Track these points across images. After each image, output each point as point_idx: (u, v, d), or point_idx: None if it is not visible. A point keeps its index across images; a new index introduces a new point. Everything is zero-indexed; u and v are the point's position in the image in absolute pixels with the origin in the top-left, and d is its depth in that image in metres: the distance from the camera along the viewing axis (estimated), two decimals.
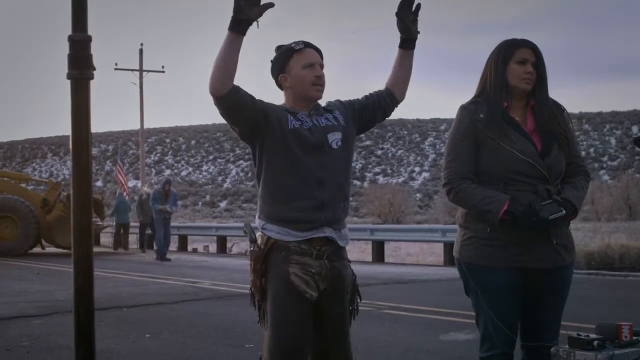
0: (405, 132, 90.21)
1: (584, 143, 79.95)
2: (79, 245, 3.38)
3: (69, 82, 3.35)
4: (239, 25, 2.93)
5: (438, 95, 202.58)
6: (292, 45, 3.20)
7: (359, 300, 3.36)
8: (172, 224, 18.99)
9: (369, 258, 17.93)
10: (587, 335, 2.94)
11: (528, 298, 3.29)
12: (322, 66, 3.21)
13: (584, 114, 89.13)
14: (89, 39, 3.36)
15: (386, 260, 18.05)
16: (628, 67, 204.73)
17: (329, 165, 3.17)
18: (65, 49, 3.36)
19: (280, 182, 3.16)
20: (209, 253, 21.98)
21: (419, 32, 3.34)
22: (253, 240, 3.21)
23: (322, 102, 3.31)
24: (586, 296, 9.14)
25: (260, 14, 2.91)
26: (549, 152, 3.26)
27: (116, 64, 33.65)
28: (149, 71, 34.19)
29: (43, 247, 21.16)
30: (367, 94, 3.42)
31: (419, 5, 3.28)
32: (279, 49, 3.26)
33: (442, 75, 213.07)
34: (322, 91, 3.22)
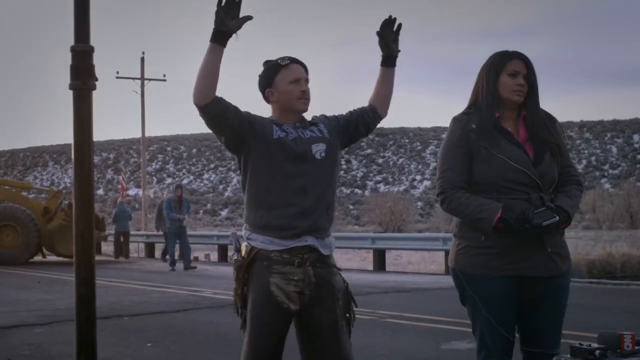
0: (407, 141, 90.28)
1: (585, 152, 79.99)
2: (80, 254, 3.38)
3: (71, 91, 3.36)
4: (220, 36, 3.07)
5: (439, 104, 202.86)
6: (279, 61, 3.30)
7: (354, 308, 3.37)
8: None
9: (370, 267, 17.92)
10: (589, 345, 2.94)
11: (524, 306, 3.29)
12: (307, 81, 3.32)
13: (585, 122, 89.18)
14: (91, 49, 3.37)
15: (387, 268, 18.02)
16: (629, 74, 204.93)
17: (311, 175, 3.25)
18: (67, 57, 3.37)
19: (263, 190, 3.25)
20: (210, 262, 21.95)
21: (399, 51, 3.47)
22: (238, 250, 3.30)
23: (308, 116, 3.40)
24: (587, 305, 9.13)
25: (240, 26, 3.07)
26: (541, 160, 3.27)
27: (117, 72, 33.76)
28: (150, 79, 34.28)
29: (44, 256, 21.17)
30: (351, 109, 3.52)
31: (399, 25, 3.41)
32: (267, 63, 3.35)
33: (443, 83, 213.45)
34: (307, 104, 3.32)
